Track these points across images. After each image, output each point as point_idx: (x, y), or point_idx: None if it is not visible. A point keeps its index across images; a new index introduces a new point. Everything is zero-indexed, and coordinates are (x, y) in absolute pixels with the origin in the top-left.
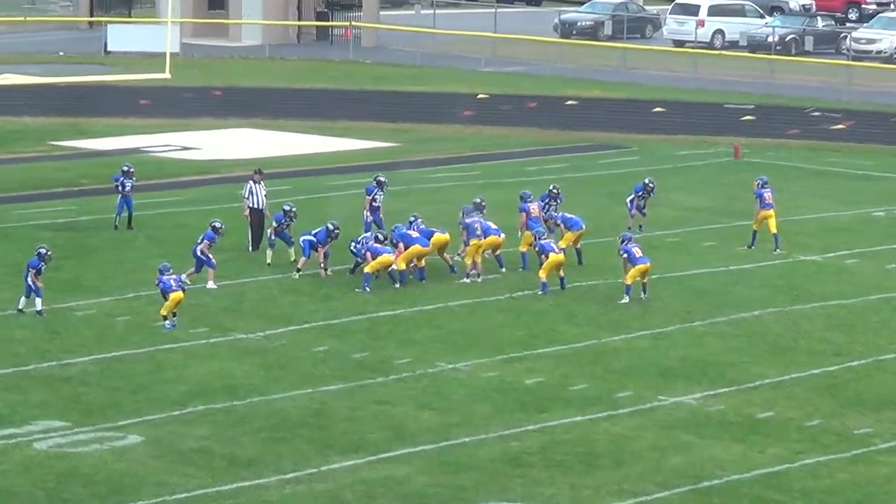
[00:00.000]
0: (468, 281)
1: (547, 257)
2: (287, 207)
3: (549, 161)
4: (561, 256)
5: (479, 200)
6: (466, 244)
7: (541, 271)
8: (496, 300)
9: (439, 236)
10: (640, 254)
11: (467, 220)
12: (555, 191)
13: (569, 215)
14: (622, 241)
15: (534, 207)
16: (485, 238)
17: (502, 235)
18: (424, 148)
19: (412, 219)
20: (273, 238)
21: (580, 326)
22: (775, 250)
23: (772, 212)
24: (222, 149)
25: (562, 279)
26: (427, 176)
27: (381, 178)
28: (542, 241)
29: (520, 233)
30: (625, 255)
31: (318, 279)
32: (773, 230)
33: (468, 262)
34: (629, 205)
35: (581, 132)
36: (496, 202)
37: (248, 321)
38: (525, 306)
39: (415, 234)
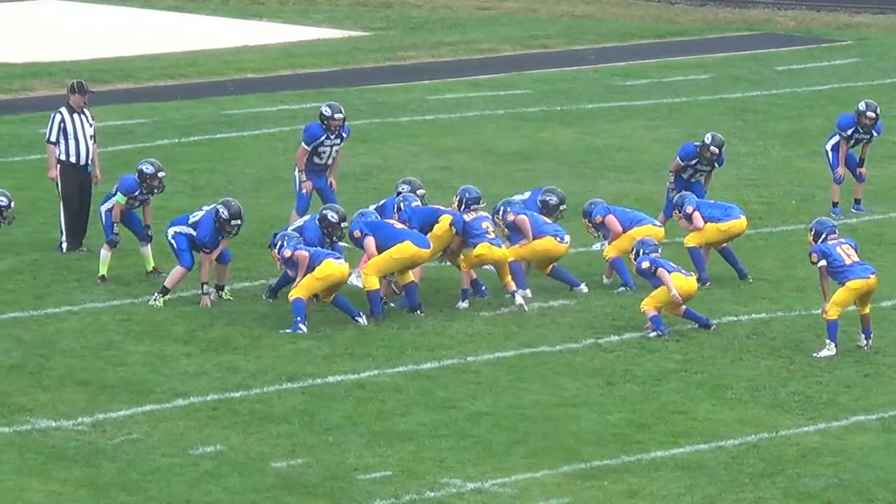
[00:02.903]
0: (463, 306)
1: (663, 279)
2: (147, 168)
3: (675, 68)
4: (692, 283)
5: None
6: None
7: (646, 302)
8: (565, 350)
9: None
10: (854, 258)
11: (468, 217)
12: (714, 147)
13: (711, 201)
14: (816, 235)
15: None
16: (530, 239)
17: (566, 239)
18: (421, 41)
19: (400, 189)
20: (114, 229)
21: (736, 406)
22: None
23: None
24: (9, 44)
25: (694, 315)
26: (427, 98)
27: (330, 111)
28: (655, 256)
29: (601, 243)
30: (822, 262)
31: (201, 311)
32: None
33: (465, 269)
34: (831, 156)
35: (739, 10)
36: (561, 152)
37: (58, 395)
38: (624, 363)
39: (399, 226)
